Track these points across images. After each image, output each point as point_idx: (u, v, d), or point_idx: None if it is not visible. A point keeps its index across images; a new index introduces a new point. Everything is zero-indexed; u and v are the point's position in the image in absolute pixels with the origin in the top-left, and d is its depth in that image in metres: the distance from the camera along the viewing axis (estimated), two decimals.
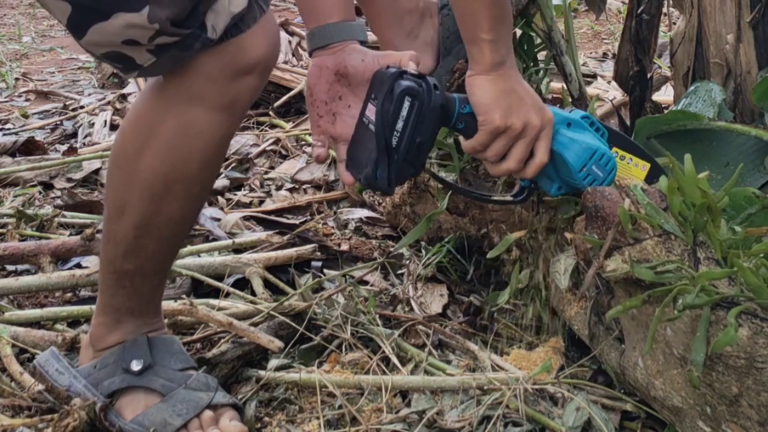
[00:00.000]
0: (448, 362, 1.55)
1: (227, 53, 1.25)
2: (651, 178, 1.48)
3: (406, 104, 1.28)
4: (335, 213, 2.36)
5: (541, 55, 1.92)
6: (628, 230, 1.25)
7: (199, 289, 1.89)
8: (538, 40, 1.86)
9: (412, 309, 1.74)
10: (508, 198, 1.49)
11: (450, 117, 1.34)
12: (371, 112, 1.30)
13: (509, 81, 1.34)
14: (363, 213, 2.32)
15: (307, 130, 3.00)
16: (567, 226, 1.48)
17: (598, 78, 3.74)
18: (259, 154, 2.88)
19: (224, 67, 1.25)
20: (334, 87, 1.36)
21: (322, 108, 1.36)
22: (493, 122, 1.32)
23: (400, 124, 1.29)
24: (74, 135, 3.24)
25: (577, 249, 1.39)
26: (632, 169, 1.48)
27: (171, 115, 1.28)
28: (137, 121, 1.33)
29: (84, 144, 3.09)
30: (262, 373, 1.52)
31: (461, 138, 1.39)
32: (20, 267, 2.03)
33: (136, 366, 1.38)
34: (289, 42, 3.79)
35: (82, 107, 3.55)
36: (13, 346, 1.58)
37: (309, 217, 2.35)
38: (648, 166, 1.50)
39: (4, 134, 3.19)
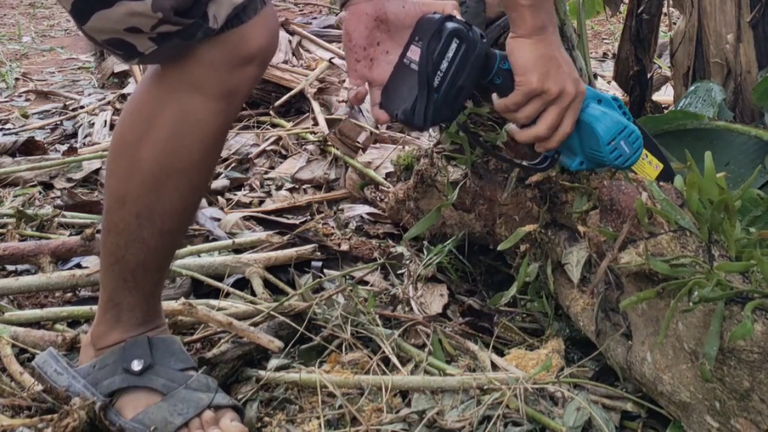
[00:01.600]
0: (448, 362, 1.55)
1: (229, 43, 1.25)
2: (661, 179, 1.48)
3: (454, 45, 1.30)
4: (335, 213, 2.36)
5: None
6: (644, 224, 1.25)
7: (199, 289, 1.89)
8: None
9: (412, 309, 1.74)
10: (534, 165, 1.49)
11: (490, 69, 1.35)
12: (414, 53, 1.32)
13: (550, 47, 1.34)
14: (364, 210, 2.32)
15: (308, 128, 3.00)
16: (579, 220, 1.48)
17: (598, 78, 3.74)
18: (259, 154, 2.88)
19: (225, 56, 1.26)
20: (373, 33, 1.36)
21: (360, 53, 1.37)
22: (530, 84, 1.33)
23: (444, 65, 1.30)
24: (74, 135, 3.24)
25: (590, 242, 1.39)
26: (646, 166, 1.48)
27: (171, 103, 1.29)
28: (137, 111, 1.33)
29: (84, 144, 3.09)
30: (262, 373, 1.52)
31: (494, 96, 1.39)
32: (20, 267, 2.03)
33: (136, 366, 1.38)
34: (289, 42, 3.79)
35: (82, 107, 3.55)
36: (13, 346, 1.58)
37: (309, 217, 2.35)
38: (661, 166, 1.50)
39: (4, 134, 3.19)
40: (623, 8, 3.13)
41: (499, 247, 1.64)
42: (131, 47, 1.24)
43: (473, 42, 1.31)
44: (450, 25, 1.30)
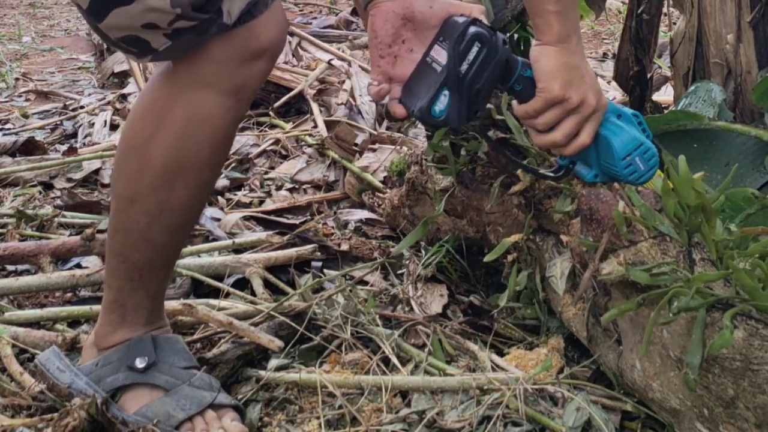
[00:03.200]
0: (448, 362, 1.55)
1: (240, 38, 1.27)
2: None
3: (475, 49, 1.31)
4: (335, 213, 2.36)
5: None
6: (623, 232, 1.25)
7: (199, 289, 1.89)
8: None
9: (412, 309, 1.74)
10: (549, 173, 1.49)
11: (510, 76, 1.36)
12: (437, 52, 1.33)
13: (574, 56, 1.34)
14: (363, 214, 2.32)
15: (307, 130, 3.00)
16: (563, 225, 1.48)
17: (598, 78, 3.74)
18: (259, 154, 2.88)
19: (235, 51, 1.27)
20: (400, 31, 1.37)
21: (384, 50, 1.37)
22: (552, 91, 1.32)
23: (464, 66, 1.31)
24: (74, 135, 3.24)
25: (573, 252, 1.39)
26: (655, 179, 1.48)
27: (181, 100, 1.30)
28: (147, 110, 1.34)
29: (84, 144, 3.09)
30: (262, 373, 1.52)
31: (514, 102, 1.40)
32: (20, 267, 2.03)
33: (140, 363, 1.38)
34: (289, 42, 3.79)
35: (82, 107, 3.55)
36: (13, 346, 1.58)
37: (309, 217, 2.35)
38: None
39: (4, 134, 3.19)
40: (623, 8, 3.13)
41: (486, 259, 1.64)
42: (146, 44, 1.25)
43: (495, 47, 1.32)
44: (474, 29, 1.31)
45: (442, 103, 1.31)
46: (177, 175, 1.32)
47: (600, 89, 1.36)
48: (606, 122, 1.39)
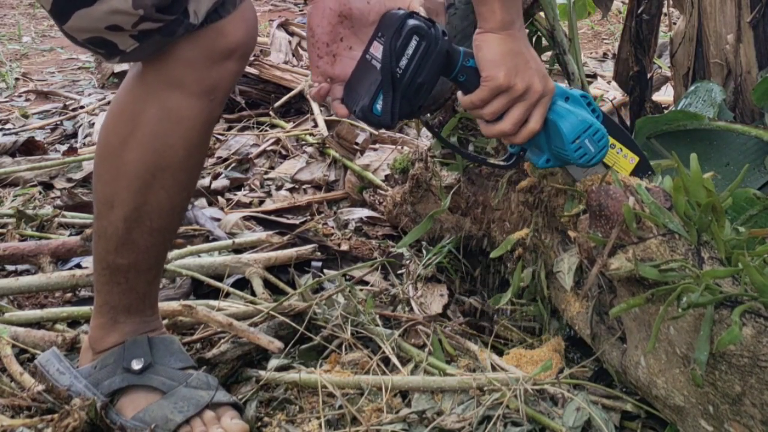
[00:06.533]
0: (448, 362, 1.55)
1: (207, 38, 1.26)
2: (637, 172, 1.48)
3: (413, 43, 1.29)
4: (335, 213, 2.36)
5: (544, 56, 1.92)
6: (633, 229, 1.25)
7: (199, 289, 1.89)
8: (544, 42, 1.85)
9: (412, 309, 1.74)
10: (499, 162, 1.49)
11: (453, 67, 1.34)
12: (376, 49, 1.31)
13: (518, 42, 1.32)
14: (363, 213, 2.32)
15: (307, 130, 3.00)
16: (570, 224, 1.48)
17: (598, 78, 3.74)
18: (259, 154, 2.88)
19: (204, 52, 1.26)
20: (337, 29, 1.35)
21: (322, 49, 1.35)
22: (497, 80, 1.31)
23: (404, 62, 1.29)
24: (74, 135, 3.24)
25: (581, 247, 1.39)
26: (620, 160, 1.48)
27: (152, 102, 1.29)
28: (120, 113, 1.33)
29: (84, 144, 3.09)
30: (262, 373, 1.52)
31: (459, 93, 1.38)
32: (20, 267, 2.03)
33: (136, 365, 1.38)
34: (289, 42, 3.79)
35: (82, 107, 3.55)
36: (13, 346, 1.58)
37: (309, 217, 2.35)
38: (637, 159, 1.49)
39: (4, 134, 3.19)
40: (623, 8, 3.13)
41: (492, 255, 1.64)
42: (112, 45, 1.24)
43: (434, 39, 1.30)
44: (411, 22, 1.29)
45: (388, 100, 1.29)
46: (153, 176, 1.31)
47: (546, 74, 1.35)
48: (554, 106, 1.38)
